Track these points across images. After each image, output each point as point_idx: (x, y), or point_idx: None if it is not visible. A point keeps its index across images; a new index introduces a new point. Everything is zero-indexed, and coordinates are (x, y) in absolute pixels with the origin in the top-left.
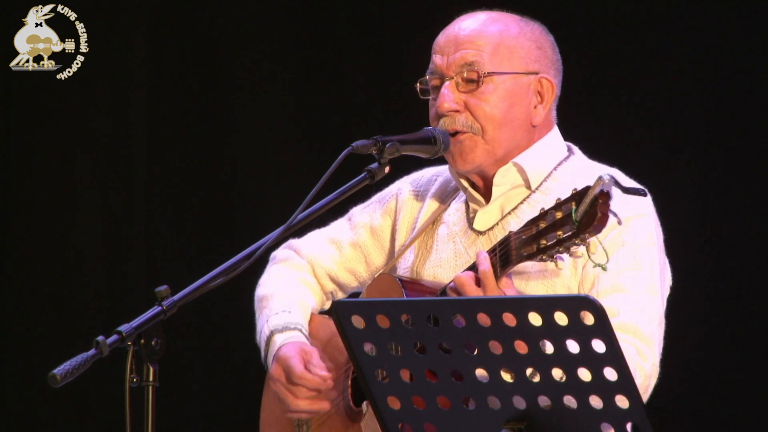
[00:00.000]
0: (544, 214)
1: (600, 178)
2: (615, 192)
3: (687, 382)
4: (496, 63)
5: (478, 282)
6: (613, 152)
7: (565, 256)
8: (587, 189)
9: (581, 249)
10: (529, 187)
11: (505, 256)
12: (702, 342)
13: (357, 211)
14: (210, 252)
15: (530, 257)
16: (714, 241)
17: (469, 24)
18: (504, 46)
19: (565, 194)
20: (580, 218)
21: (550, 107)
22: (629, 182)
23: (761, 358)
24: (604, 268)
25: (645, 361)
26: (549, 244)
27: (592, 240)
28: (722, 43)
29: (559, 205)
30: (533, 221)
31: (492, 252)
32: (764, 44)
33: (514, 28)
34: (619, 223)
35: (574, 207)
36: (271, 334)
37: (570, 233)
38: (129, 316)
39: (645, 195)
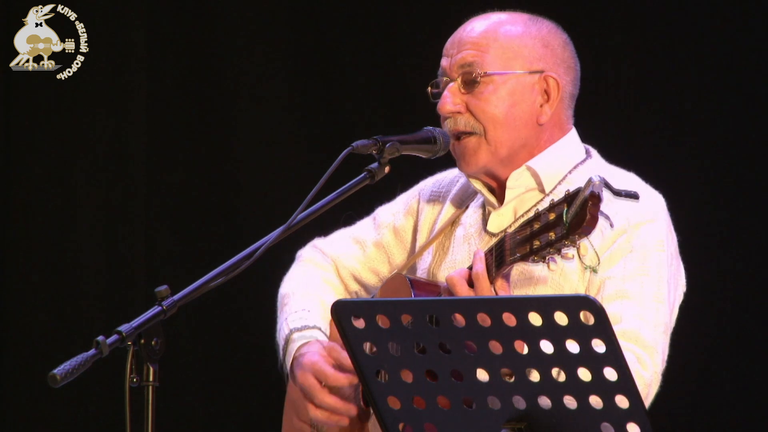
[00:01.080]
0: (538, 216)
1: (590, 179)
2: (625, 197)
3: (693, 383)
4: (497, 63)
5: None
6: (625, 153)
7: (557, 258)
8: (578, 191)
9: (572, 251)
10: (542, 190)
11: (500, 256)
12: (710, 343)
13: (381, 211)
14: (210, 252)
15: (523, 258)
16: (725, 243)
17: (475, 26)
18: (505, 45)
19: None
20: (570, 220)
21: (561, 106)
22: (645, 187)
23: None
24: (595, 271)
25: (645, 369)
26: (541, 245)
27: (583, 242)
28: (744, 42)
29: (552, 206)
30: (528, 222)
31: (489, 252)
32: None
33: (519, 27)
34: (611, 225)
35: (565, 208)
36: (290, 332)
37: (561, 235)
38: (129, 316)
39: (637, 198)
